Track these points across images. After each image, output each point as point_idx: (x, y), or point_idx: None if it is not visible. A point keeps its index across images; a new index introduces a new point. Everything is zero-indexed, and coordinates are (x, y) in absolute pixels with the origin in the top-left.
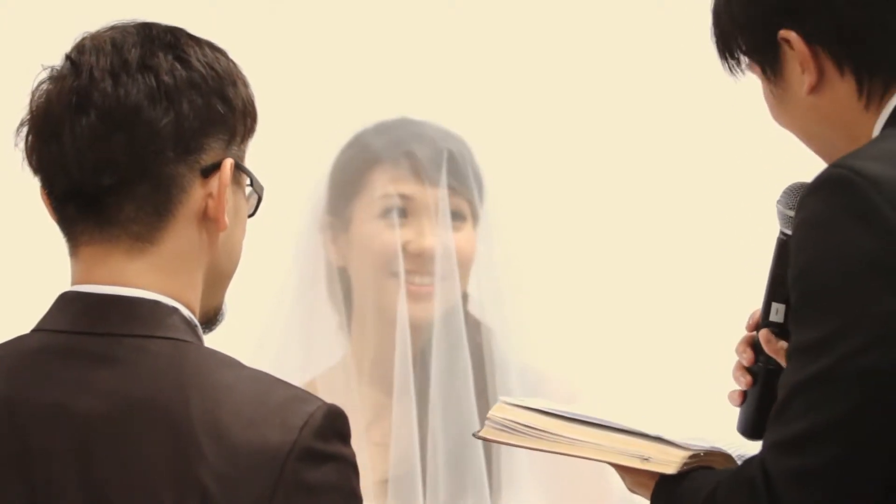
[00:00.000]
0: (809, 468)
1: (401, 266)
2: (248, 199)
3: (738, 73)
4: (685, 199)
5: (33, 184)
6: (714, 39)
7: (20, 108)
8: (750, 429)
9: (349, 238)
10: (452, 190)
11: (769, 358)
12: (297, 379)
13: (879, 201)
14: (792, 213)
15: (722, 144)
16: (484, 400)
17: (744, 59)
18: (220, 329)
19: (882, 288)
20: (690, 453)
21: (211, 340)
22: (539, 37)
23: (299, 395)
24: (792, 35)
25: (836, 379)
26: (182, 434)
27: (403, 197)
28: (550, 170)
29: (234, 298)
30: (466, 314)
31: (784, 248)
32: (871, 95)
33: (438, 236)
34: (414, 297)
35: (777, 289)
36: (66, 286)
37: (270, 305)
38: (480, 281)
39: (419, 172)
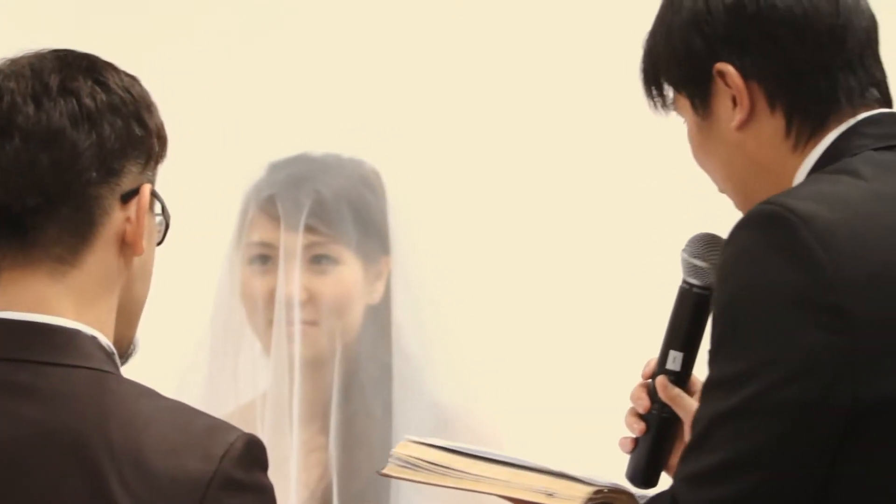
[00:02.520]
0: (726, 499)
1: (260, 311)
2: (157, 227)
3: (661, 109)
4: (608, 234)
5: None
6: (643, 73)
7: None
8: (640, 476)
9: None
10: (317, 233)
11: (663, 406)
12: (226, 407)
13: (810, 239)
14: (698, 262)
15: (635, 188)
16: (387, 441)
17: (669, 97)
18: (147, 356)
19: (806, 323)
20: (595, 489)
21: (139, 365)
22: (444, 60)
23: (219, 425)
24: (728, 68)
25: (756, 412)
26: (101, 464)
27: (264, 244)
28: (468, 201)
29: (159, 323)
30: (360, 354)
31: (685, 298)
32: (799, 136)
33: (302, 282)
34: (289, 339)
35: (676, 337)
36: None
37: (197, 336)
38: (395, 317)
39: (278, 219)
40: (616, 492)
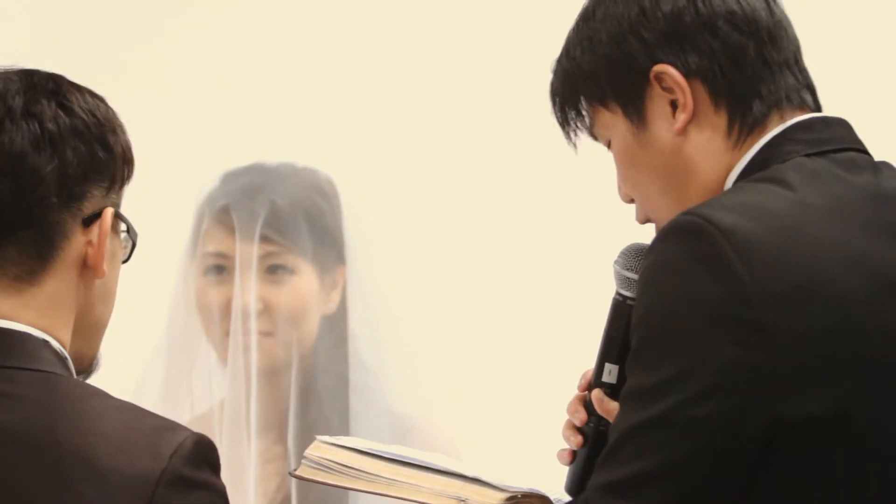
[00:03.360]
0: None
1: (216, 321)
2: (123, 244)
3: (578, 133)
4: (562, 243)
5: None
6: (556, 97)
7: None
8: (577, 488)
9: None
10: (272, 243)
11: (600, 418)
12: (182, 417)
13: (729, 252)
14: (629, 274)
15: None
16: None
17: (586, 118)
18: (103, 367)
19: (723, 338)
20: (508, 495)
21: (95, 375)
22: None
23: (168, 425)
24: (668, 69)
25: (672, 425)
26: (50, 463)
27: (219, 255)
28: (423, 210)
29: (114, 335)
30: (316, 363)
31: (619, 309)
32: (741, 132)
33: (257, 292)
34: (245, 350)
35: (611, 349)
36: None
37: (152, 347)
38: (351, 327)
39: (233, 229)
40: (530, 496)
